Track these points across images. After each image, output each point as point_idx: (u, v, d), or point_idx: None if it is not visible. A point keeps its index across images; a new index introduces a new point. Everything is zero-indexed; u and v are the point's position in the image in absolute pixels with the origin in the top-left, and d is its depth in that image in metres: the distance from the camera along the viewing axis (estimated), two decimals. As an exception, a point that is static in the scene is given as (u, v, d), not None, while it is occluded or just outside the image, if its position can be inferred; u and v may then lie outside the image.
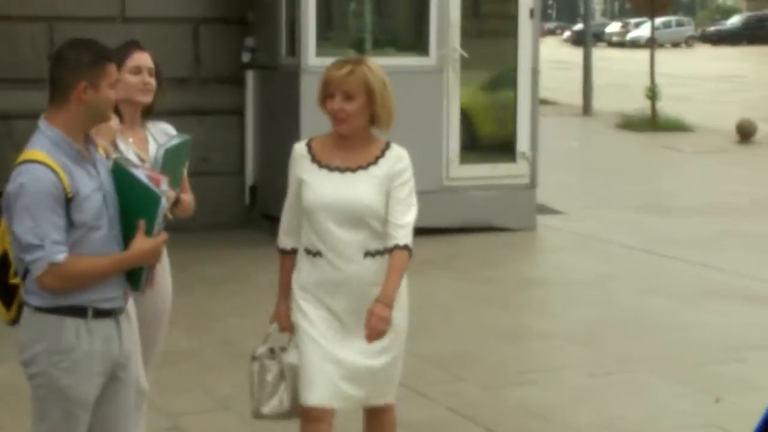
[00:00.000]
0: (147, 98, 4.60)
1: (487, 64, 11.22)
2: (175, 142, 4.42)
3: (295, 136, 9.28)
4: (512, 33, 10.61)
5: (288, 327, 4.39)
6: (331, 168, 4.27)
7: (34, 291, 3.78)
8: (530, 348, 7.18)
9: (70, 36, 3.89)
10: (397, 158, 4.30)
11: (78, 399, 3.82)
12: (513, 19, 10.59)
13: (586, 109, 23.90)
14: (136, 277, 3.93)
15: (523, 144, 10.62)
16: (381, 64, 10.28)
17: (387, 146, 4.33)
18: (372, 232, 4.22)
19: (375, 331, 4.18)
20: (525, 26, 10.58)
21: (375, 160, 4.28)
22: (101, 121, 3.90)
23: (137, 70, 4.56)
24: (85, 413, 3.83)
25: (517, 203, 10.54)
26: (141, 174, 3.87)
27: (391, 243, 4.19)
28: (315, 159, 4.30)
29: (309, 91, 9.83)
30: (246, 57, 10.59)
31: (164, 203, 3.83)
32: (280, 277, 4.43)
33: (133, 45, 4.66)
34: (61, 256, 3.69)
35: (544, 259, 10.23)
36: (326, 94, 4.25)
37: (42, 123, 3.76)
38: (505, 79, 10.93)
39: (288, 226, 4.39)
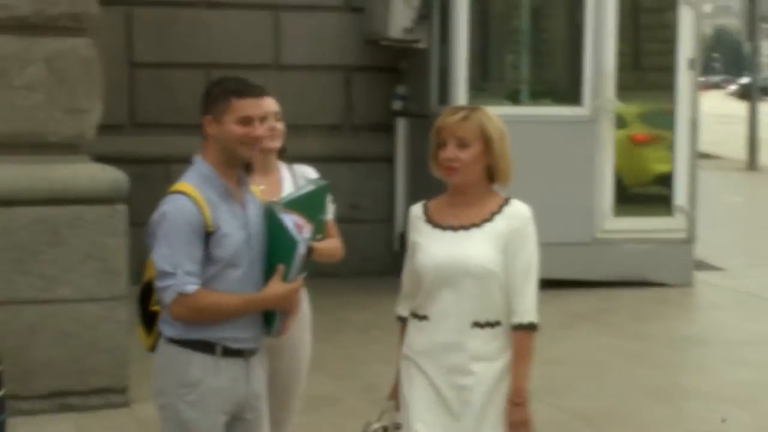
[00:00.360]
0: (274, 144, 4.49)
1: (643, 116, 10.98)
2: (300, 192, 4.31)
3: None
4: (671, 85, 10.36)
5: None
6: (444, 227, 3.87)
7: (168, 321, 3.82)
8: (684, 408, 6.86)
9: None
10: (515, 215, 3.85)
11: None
12: (672, 70, 10.34)
13: (752, 163, 23.23)
14: (270, 321, 3.90)
15: (680, 197, 10.31)
16: (533, 113, 10.22)
17: (506, 202, 3.88)
18: (485, 299, 3.80)
19: None
20: (684, 77, 10.30)
21: (490, 217, 3.84)
22: (237, 158, 3.85)
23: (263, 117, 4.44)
24: None
25: (673, 258, 10.21)
26: (287, 218, 3.86)
27: (513, 320, 3.82)
28: (429, 219, 3.91)
29: (460, 139, 9.80)
30: (397, 105, 10.59)
31: (301, 250, 3.81)
32: (396, 349, 4.07)
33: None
34: (191, 287, 3.72)
35: (701, 316, 9.85)
36: (438, 143, 3.86)
37: (195, 158, 3.86)
38: (662, 131, 10.66)
39: (406, 293, 4.02)
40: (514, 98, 10.38)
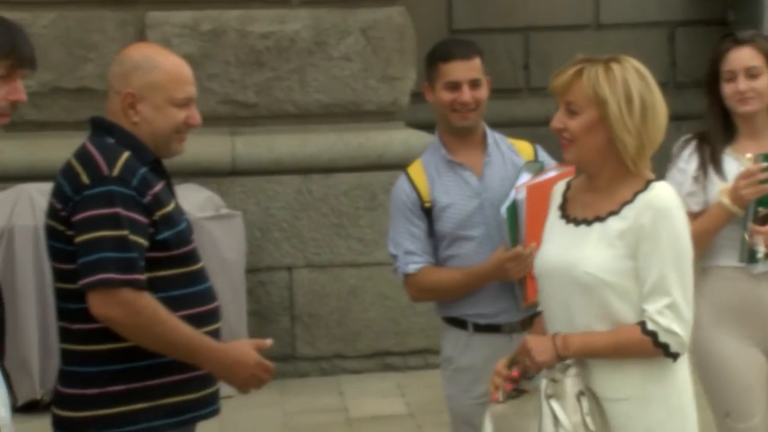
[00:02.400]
0: (746, 107, 3.70)
1: None
2: None
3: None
4: None
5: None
6: (569, 218, 3.02)
7: None
8: None
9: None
10: (647, 205, 2.88)
11: (456, 411, 3.73)
12: None
13: None
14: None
15: None
16: None
17: (646, 187, 2.92)
18: (605, 316, 2.89)
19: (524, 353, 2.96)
20: None
21: (619, 208, 2.91)
22: (448, 125, 3.65)
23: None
24: (469, 428, 3.64)
25: None
26: (523, 177, 3.59)
27: (642, 317, 2.89)
28: (564, 204, 3.07)
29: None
30: (728, 59, 10.17)
31: (502, 212, 3.51)
32: None
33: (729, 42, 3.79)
34: (412, 267, 3.61)
35: None
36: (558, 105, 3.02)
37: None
38: None
39: None
40: None
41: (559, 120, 2.95)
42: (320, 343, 6.60)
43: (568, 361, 2.90)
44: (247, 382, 3.01)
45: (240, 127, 6.65)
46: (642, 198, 2.90)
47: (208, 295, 3.03)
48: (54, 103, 6.55)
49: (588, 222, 2.95)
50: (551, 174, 3.55)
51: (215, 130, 6.31)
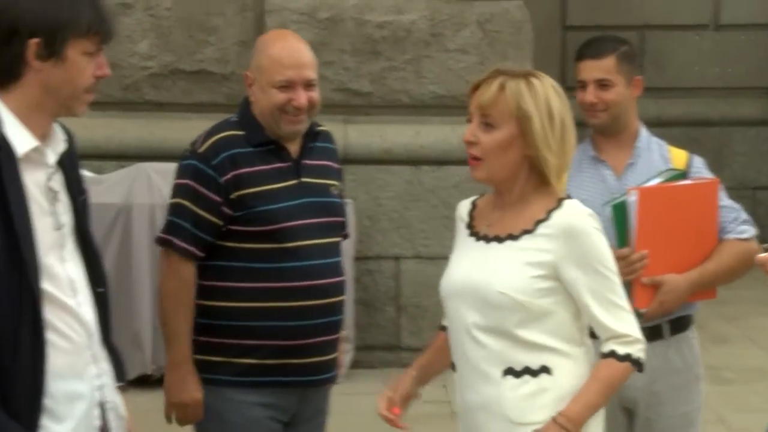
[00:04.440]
0: None
1: None
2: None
3: None
4: None
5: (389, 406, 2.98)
6: (478, 236, 2.86)
7: None
8: None
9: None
10: (563, 224, 2.76)
11: None
12: None
13: None
14: None
15: None
16: None
17: (558, 204, 2.80)
18: (518, 337, 2.75)
19: None
20: None
21: (533, 227, 2.78)
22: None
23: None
24: None
25: None
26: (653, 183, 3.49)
27: (605, 350, 2.80)
28: (471, 222, 2.91)
29: None
30: None
31: (614, 206, 3.43)
32: (420, 357, 3.15)
33: None
34: None
35: None
36: (468, 116, 2.85)
37: None
38: None
39: None
40: None
41: (471, 133, 2.80)
42: (425, 334, 6.59)
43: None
44: (171, 409, 3.38)
45: (353, 115, 6.68)
46: (557, 216, 2.78)
47: (306, 273, 3.25)
48: (173, 84, 6.67)
49: (500, 239, 2.81)
50: (679, 183, 3.48)
51: (328, 118, 6.27)
